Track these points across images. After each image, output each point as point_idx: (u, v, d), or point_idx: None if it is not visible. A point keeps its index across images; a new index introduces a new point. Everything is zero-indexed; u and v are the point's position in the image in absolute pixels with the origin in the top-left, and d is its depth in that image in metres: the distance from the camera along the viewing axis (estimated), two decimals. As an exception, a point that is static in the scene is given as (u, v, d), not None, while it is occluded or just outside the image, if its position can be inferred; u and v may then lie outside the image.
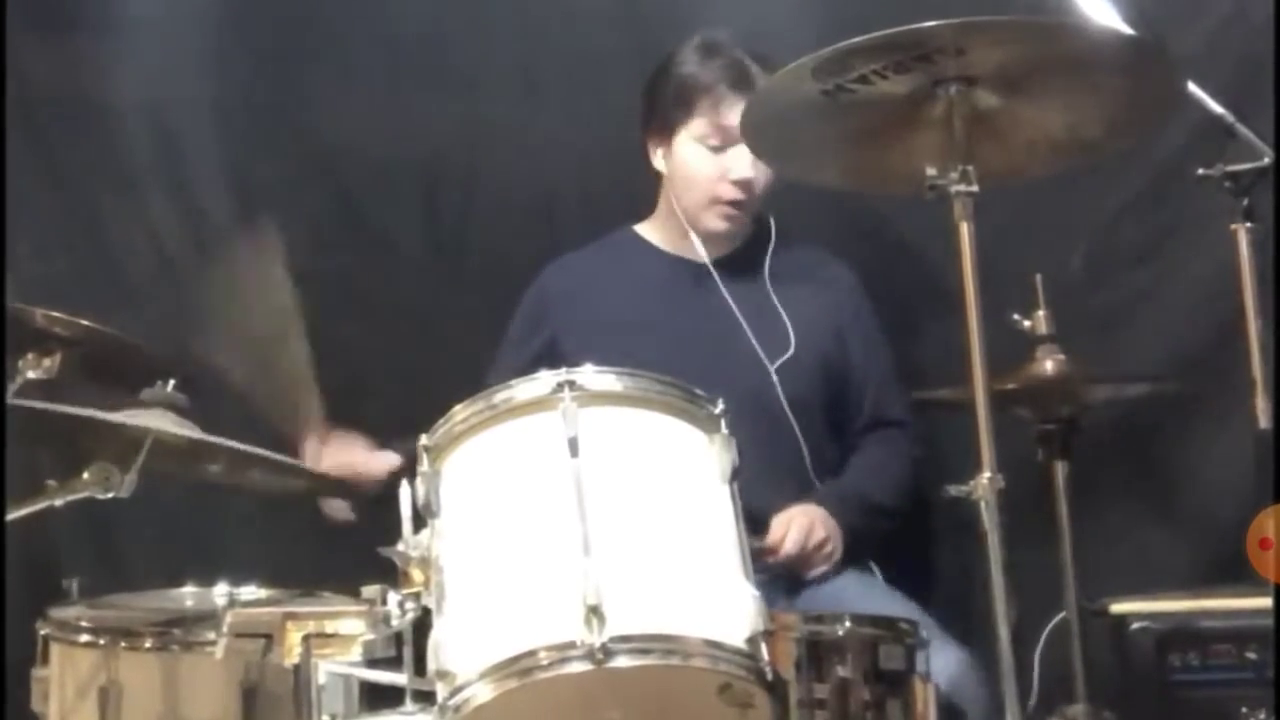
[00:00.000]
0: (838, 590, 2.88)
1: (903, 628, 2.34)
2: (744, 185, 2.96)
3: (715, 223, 3.00)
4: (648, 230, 3.15)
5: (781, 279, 3.05)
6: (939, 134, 2.37)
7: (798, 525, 2.85)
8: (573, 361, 2.17)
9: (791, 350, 2.96)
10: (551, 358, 2.86)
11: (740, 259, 3.07)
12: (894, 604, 2.80)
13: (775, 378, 2.92)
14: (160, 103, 3.52)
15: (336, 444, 2.96)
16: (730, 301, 3.01)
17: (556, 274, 3.15)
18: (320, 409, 2.92)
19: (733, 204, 2.98)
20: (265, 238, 2.92)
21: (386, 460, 2.91)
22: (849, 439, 3.07)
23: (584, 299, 3.09)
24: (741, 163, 2.94)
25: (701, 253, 3.05)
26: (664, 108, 3.01)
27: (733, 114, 2.89)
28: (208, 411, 2.58)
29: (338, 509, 2.96)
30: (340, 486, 2.86)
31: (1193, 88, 2.48)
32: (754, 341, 2.96)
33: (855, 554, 2.95)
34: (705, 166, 2.98)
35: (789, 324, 2.98)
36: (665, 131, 3.02)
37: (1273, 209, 2.54)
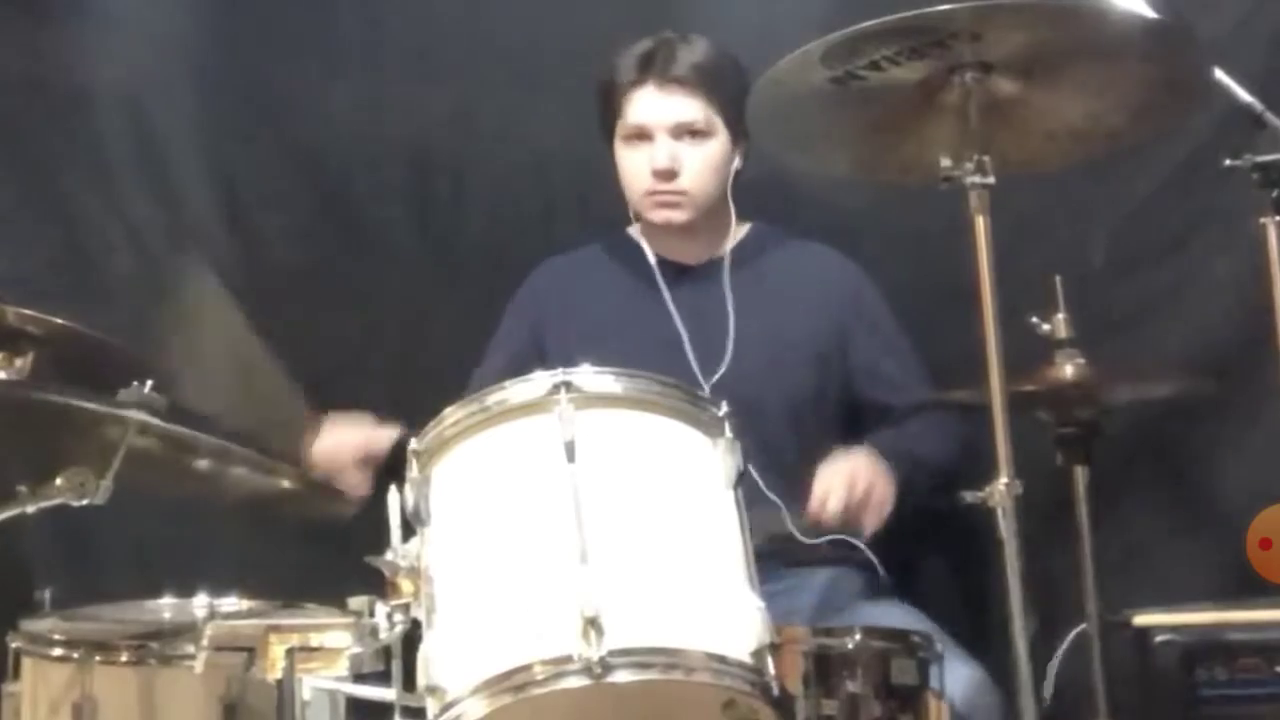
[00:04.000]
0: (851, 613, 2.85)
1: (915, 641, 2.34)
2: (664, 175, 2.98)
3: (654, 214, 3.02)
4: (638, 231, 3.16)
5: (756, 283, 3.04)
6: (954, 123, 2.37)
7: (839, 482, 2.78)
8: (554, 363, 2.17)
9: (725, 365, 2.94)
10: (538, 358, 2.87)
11: (706, 263, 3.07)
12: (906, 621, 2.78)
13: (706, 391, 2.85)
14: (138, 92, 3.51)
15: (335, 426, 2.97)
16: (672, 309, 3.02)
17: (546, 274, 3.17)
18: (308, 415, 2.94)
19: (664, 194, 2.99)
20: (193, 268, 2.98)
21: (387, 434, 2.91)
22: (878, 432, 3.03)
23: (569, 300, 3.11)
24: (660, 154, 2.97)
25: (661, 253, 3.07)
26: (599, 111, 3.07)
27: (638, 109, 2.99)
28: (187, 415, 2.58)
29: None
30: (329, 487, 2.85)
31: (1220, 74, 2.47)
32: (690, 356, 2.95)
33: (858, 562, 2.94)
34: (631, 162, 3.02)
35: (732, 337, 2.96)
36: (608, 136, 3.06)
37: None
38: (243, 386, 2.91)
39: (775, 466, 2.85)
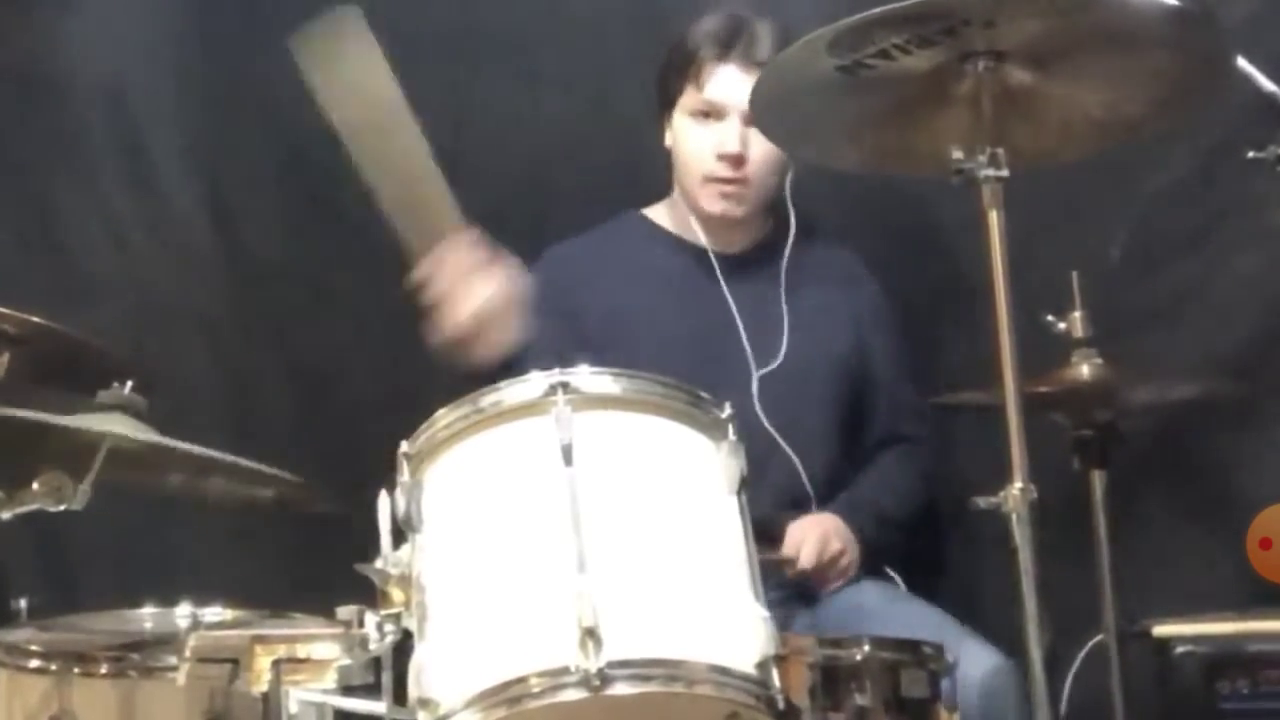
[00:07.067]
0: (858, 600, 2.89)
1: (926, 652, 2.34)
2: (732, 161, 2.97)
3: (711, 203, 3.01)
4: (658, 213, 3.15)
5: (801, 282, 3.06)
6: (966, 114, 2.36)
7: (813, 537, 2.89)
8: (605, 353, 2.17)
9: (780, 359, 2.97)
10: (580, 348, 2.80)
11: (755, 255, 3.08)
12: (917, 611, 2.82)
13: (755, 387, 2.92)
14: (118, 80, 3.51)
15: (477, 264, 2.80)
16: (730, 299, 3.03)
17: (559, 263, 3.12)
18: (454, 207, 2.75)
19: (726, 182, 2.99)
20: (349, 21, 2.75)
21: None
22: (862, 450, 3.09)
23: (586, 287, 3.07)
24: (730, 137, 2.96)
25: (703, 241, 3.07)
26: (663, 78, 3.05)
27: (717, 85, 2.96)
28: (170, 416, 2.58)
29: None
30: (314, 496, 2.84)
31: (1242, 63, 2.47)
32: (746, 346, 2.98)
33: (871, 567, 2.99)
34: (695, 141, 3.01)
35: (786, 333, 2.99)
36: (667, 105, 3.05)
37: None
38: (382, 152, 2.71)
39: (816, 463, 2.95)
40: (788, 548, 2.88)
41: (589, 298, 3.06)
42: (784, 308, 3.03)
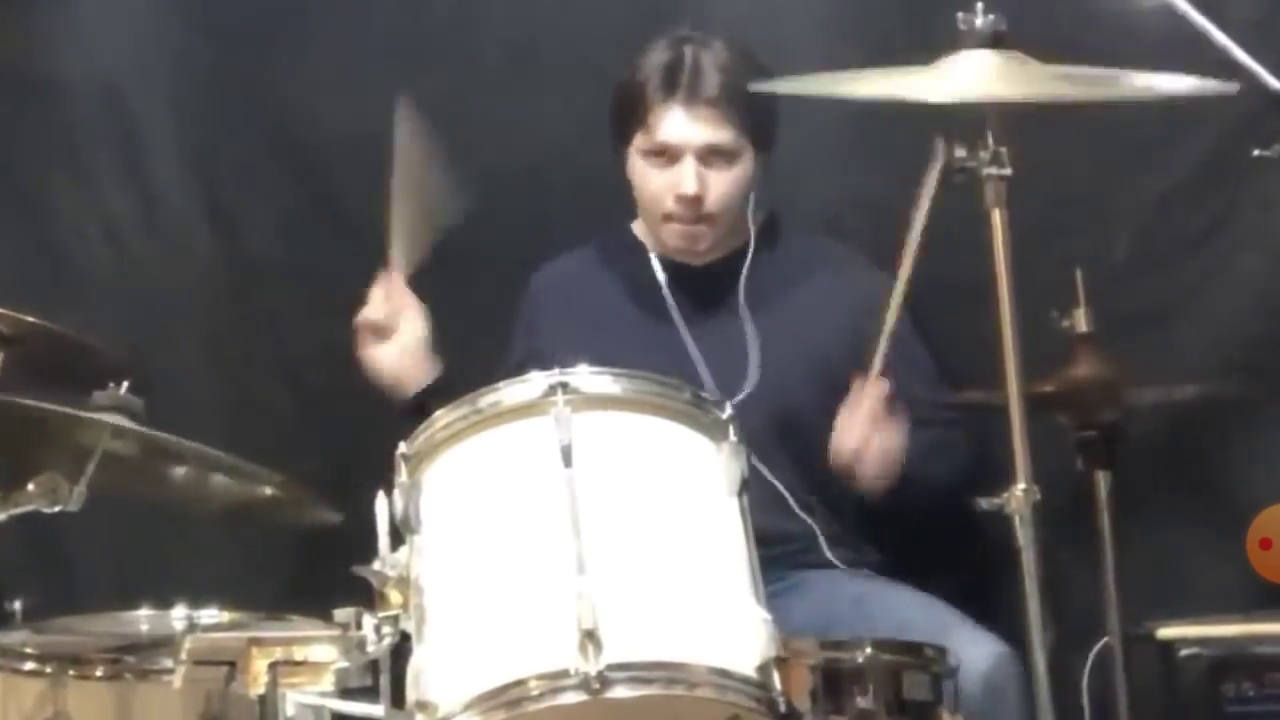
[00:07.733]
0: (855, 591, 2.85)
1: (929, 655, 2.34)
2: (690, 202, 2.92)
3: (673, 239, 2.98)
4: (642, 228, 3.12)
5: (772, 292, 3.01)
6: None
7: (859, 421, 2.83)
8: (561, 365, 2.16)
9: (751, 385, 2.92)
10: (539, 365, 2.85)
11: (724, 269, 3.03)
12: (916, 600, 2.80)
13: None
14: (115, 79, 3.51)
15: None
16: (686, 335, 2.98)
17: (546, 273, 3.14)
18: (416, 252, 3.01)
19: (686, 221, 2.95)
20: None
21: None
22: None
23: (570, 301, 3.08)
24: (686, 178, 2.91)
25: (659, 272, 3.03)
26: (613, 117, 3.01)
27: (666, 129, 2.91)
28: (166, 417, 2.58)
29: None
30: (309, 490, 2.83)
31: (1247, 59, 2.46)
32: (708, 378, 2.91)
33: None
34: (651, 182, 2.96)
35: (755, 354, 2.95)
36: (620, 139, 3.00)
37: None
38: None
39: (797, 479, 2.89)
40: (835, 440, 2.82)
41: (559, 317, 3.05)
42: (748, 328, 2.98)
